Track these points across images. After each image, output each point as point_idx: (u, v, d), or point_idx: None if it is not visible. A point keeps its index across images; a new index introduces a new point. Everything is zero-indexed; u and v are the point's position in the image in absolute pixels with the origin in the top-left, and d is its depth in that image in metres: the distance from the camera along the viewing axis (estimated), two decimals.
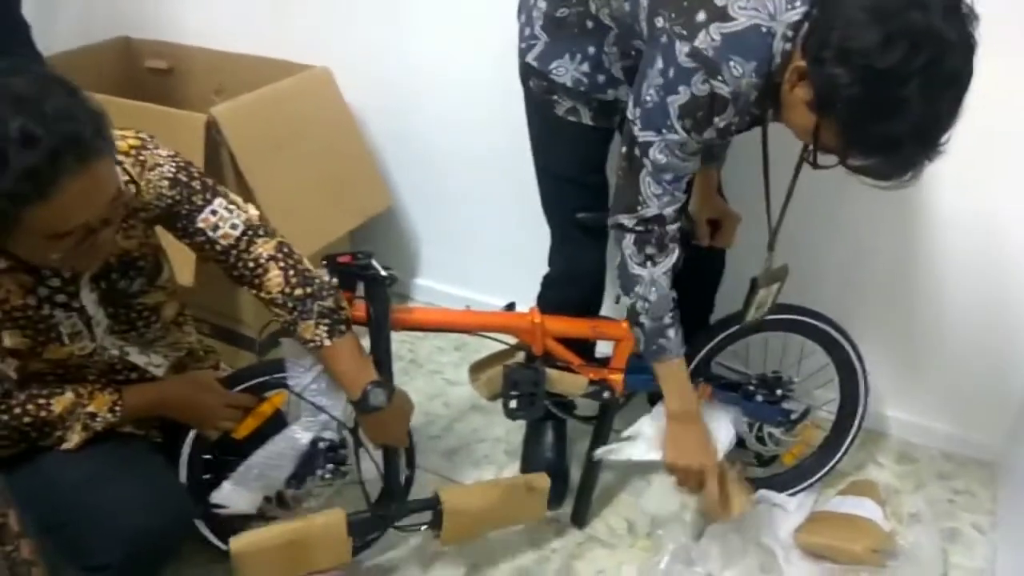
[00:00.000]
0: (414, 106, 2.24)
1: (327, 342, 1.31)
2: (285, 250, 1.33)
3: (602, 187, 1.60)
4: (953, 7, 1.04)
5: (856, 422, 1.77)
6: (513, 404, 1.48)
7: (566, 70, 1.46)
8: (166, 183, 1.25)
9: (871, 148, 1.12)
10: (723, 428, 1.59)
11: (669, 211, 1.35)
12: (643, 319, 1.43)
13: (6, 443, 1.25)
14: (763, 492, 1.77)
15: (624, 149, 1.35)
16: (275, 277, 1.31)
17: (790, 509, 1.77)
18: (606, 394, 1.59)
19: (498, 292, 2.09)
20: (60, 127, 0.98)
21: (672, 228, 1.37)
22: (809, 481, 1.81)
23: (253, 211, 1.34)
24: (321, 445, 1.42)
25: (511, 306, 1.59)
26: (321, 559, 1.44)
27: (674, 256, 1.40)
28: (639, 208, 1.35)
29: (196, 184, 1.27)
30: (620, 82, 1.46)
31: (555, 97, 1.50)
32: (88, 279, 1.25)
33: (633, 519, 1.80)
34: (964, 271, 1.82)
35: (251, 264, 1.31)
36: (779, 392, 1.67)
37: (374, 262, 1.40)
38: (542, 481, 1.59)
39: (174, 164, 1.26)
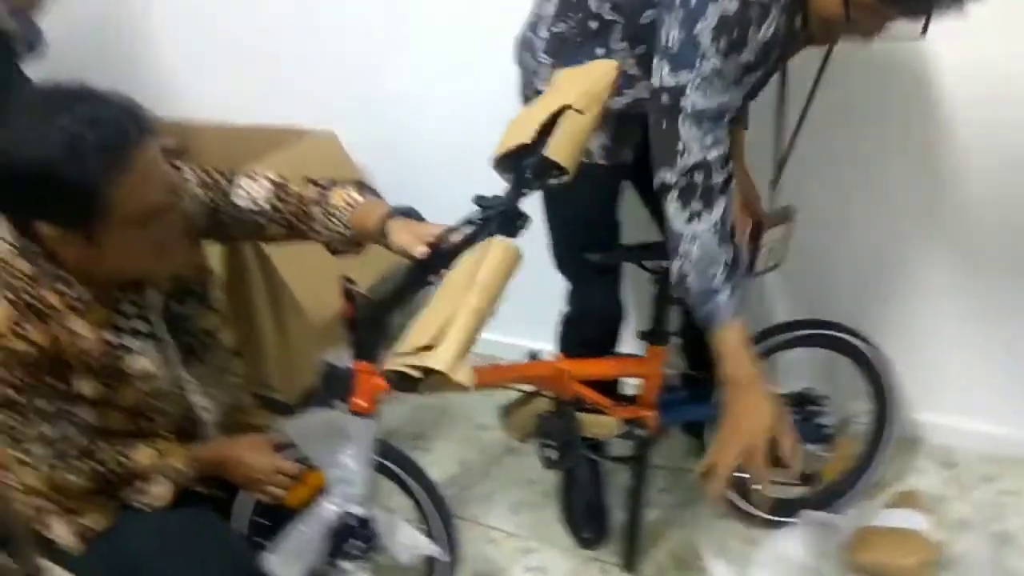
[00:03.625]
0: (420, 162, 2.22)
1: (358, 197, 1.32)
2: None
3: (613, 227, 1.56)
4: None
5: (891, 431, 1.71)
6: (549, 454, 1.43)
7: None
8: (199, 190, 1.30)
9: None
10: None
11: (714, 155, 1.23)
12: (689, 281, 1.28)
13: (94, 494, 1.24)
14: (807, 512, 1.70)
15: (654, 110, 1.26)
16: (308, 185, 1.36)
17: (837, 527, 1.70)
18: (640, 432, 1.53)
19: (516, 332, 2.06)
20: (118, 107, 1.06)
21: (719, 178, 1.24)
22: (851, 495, 1.74)
23: (269, 173, 1.37)
24: (350, 521, 1.37)
25: (534, 355, 1.54)
26: None
27: (720, 209, 1.25)
28: (679, 158, 1.23)
29: (218, 177, 1.33)
30: (637, 78, 1.38)
31: None
32: (156, 305, 1.26)
33: (681, 554, 1.74)
34: (988, 263, 1.76)
35: (294, 200, 1.34)
36: (812, 408, 1.62)
37: None
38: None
39: (193, 171, 1.31)
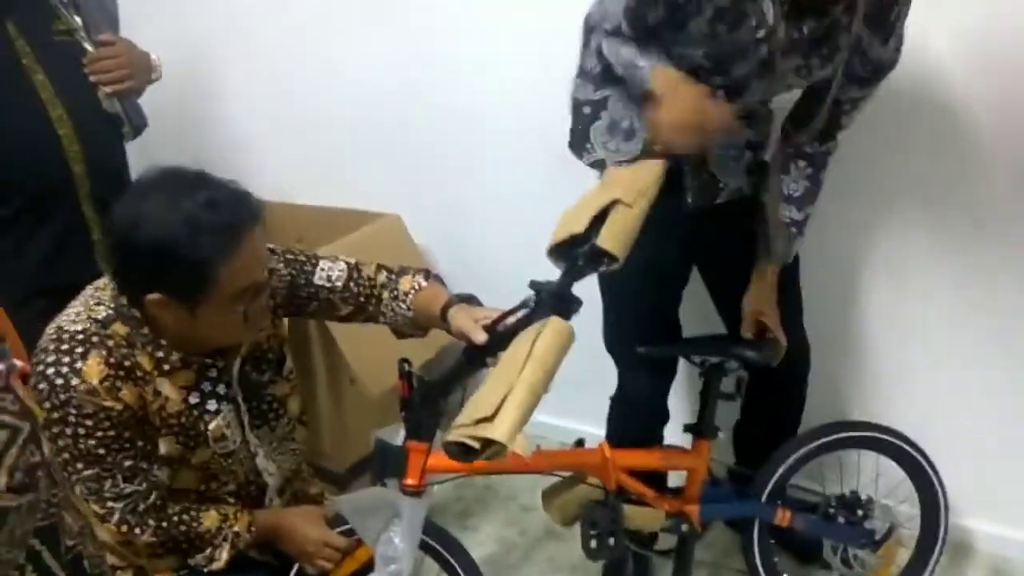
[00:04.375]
0: (480, 244, 2.28)
1: (424, 283, 1.42)
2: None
3: (668, 319, 1.58)
4: None
5: (940, 537, 1.66)
6: (593, 544, 1.43)
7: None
8: (281, 265, 1.39)
9: None
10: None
11: None
12: None
13: (160, 551, 1.31)
14: None
15: None
16: (380, 271, 1.45)
17: None
18: (684, 527, 1.52)
19: (564, 414, 2.06)
20: (233, 193, 1.18)
21: None
22: None
23: (346, 257, 1.46)
24: None
25: (580, 442, 1.56)
26: None
27: None
28: None
29: (301, 257, 1.43)
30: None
31: None
32: (236, 372, 1.33)
33: None
34: None
35: (366, 283, 1.43)
36: (859, 512, 1.59)
37: None
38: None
39: (278, 251, 1.41)
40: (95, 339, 1.19)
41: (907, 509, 1.69)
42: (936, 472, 1.63)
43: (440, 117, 2.22)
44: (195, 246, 1.12)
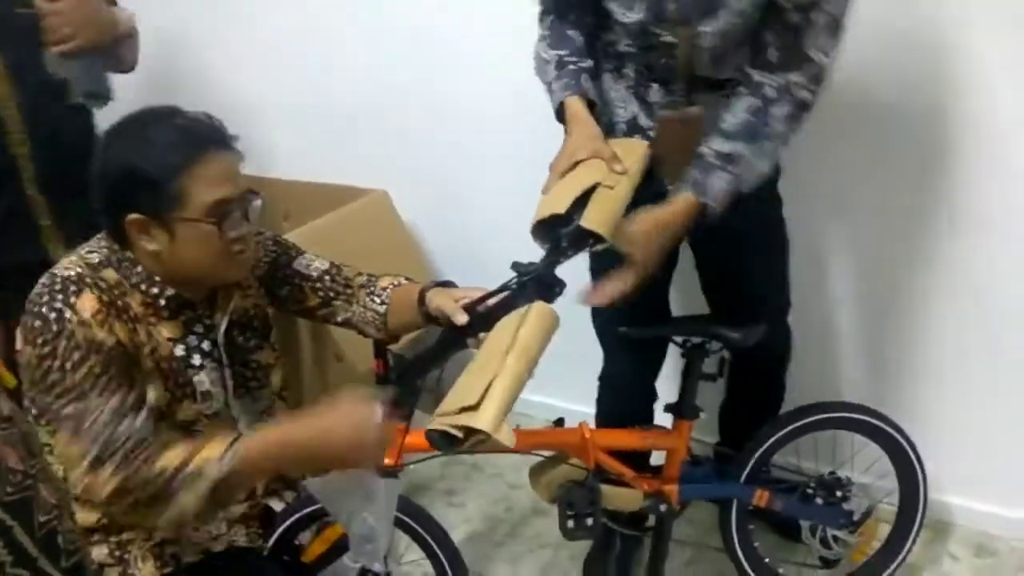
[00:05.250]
0: (465, 222, 2.26)
1: (403, 281, 1.41)
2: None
3: (656, 303, 1.54)
4: None
5: (919, 512, 1.65)
6: (571, 524, 1.41)
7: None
8: (270, 242, 1.44)
9: None
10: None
11: None
12: None
13: (121, 505, 1.16)
14: None
15: None
16: (360, 275, 1.46)
17: None
18: (662, 507, 1.51)
19: (552, 392, 2.04)
20: (197, 117, 1.23)
21: None
22: None
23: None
24: None
25: (560, 421, 1.54)
26: None
27: None
28: None
29: (289, 244, 1.47)
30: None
31: None
32: (222, 331, 1.31)
33: None
34: None
35: (341, 281, 1.43)
36: (838, 494, 1.57)
37: None
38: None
39: (268, 234, 1.46)
40: (88, 280, 1.19)
41: (887, 484, 1.67)
42: (915, 449, 1.62)
43: (429, 93, 2.20)
44: (155, 156, 1.17)
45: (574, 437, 1.48)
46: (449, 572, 1.48)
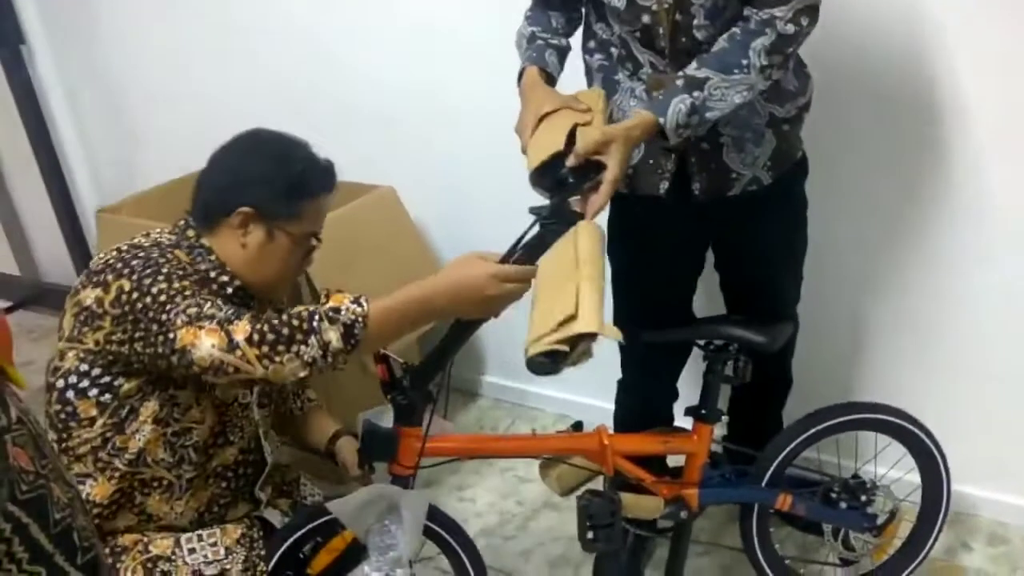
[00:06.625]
0: (469, 215, 2.20)
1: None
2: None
3: (672, 300, 1.47)
4: None
5: (942, 510, 1.60)
6: (590, 535, 1.35)
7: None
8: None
9: None
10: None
11: None
12: None
13: (262, 346, 1.09)
14: None
15: None
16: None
17: None
18: (683, 514, 1.44)
19: (564, 386, 1.98)
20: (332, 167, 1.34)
21: None
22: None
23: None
24: None
25: (578, 425, 1.47)
26: None
27: None
28: None
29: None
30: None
31: None
32: None
33: None
34: None
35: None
36: (863, 497, 1.51)
37: None
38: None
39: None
40: (155, 252, 1.23)
41: (910, 478, 1.61)
42: (939, 448, 1.56)
43: (435, 91, 2.13)
44: (301, 173, 1.27)
45: (592, 443, 1.41)
46: (469, 566, 1.44)
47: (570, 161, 1.21)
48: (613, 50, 1.38)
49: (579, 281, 1.04)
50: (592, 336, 1.00)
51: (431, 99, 2.14)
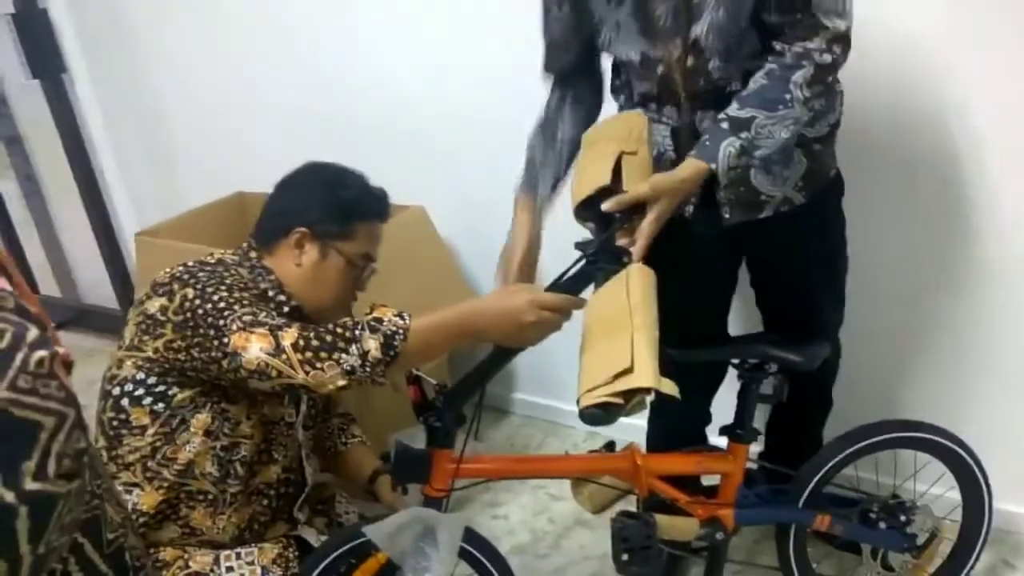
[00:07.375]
0: (502, 233, 2.17)
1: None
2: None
3: (705, 319, 1.46)
4: None
5: (983, 528, 1.55)
6: (625, 558, 1.32)
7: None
8: None
9: None
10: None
11: None
12: None
13: (306, 351, 1.10)
14: None
15: None
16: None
17: None
18: (719, 535, 1.41)
19: None
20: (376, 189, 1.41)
21: None
22: None
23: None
24: None
25: (611, 445, 1.45)
26: None
27: None
28: None
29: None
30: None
31: None
32: None
33: None
34: None
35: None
36: (902, 518, 1.47)
37: None
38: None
39: None
40: (220, 267, 1.27)
41: (950, 495, 1.56)
42: (980, 466, 1.51)
43: (463, 109, 2.12)
44: (359, 198, 1.36)
45: (625, 463, 1.39)
46: None
47: (608, 206, 1.19)
48: (638, 101, 1.39)
49: (633, 331, 1.03)
50: (647, 390, 0.97)
51: (461, 116, 2.13)
